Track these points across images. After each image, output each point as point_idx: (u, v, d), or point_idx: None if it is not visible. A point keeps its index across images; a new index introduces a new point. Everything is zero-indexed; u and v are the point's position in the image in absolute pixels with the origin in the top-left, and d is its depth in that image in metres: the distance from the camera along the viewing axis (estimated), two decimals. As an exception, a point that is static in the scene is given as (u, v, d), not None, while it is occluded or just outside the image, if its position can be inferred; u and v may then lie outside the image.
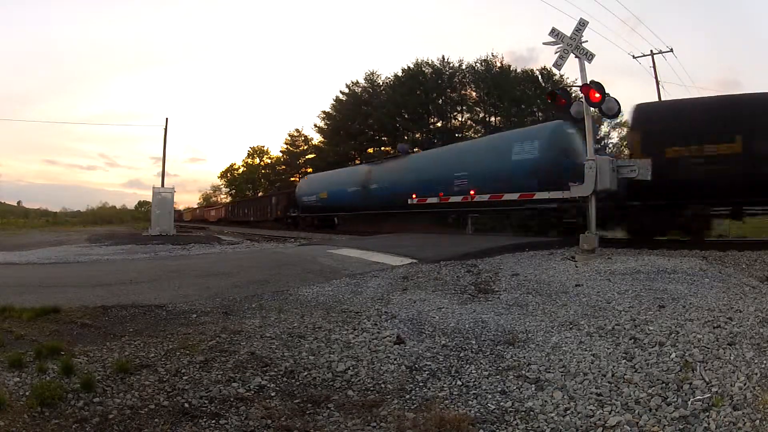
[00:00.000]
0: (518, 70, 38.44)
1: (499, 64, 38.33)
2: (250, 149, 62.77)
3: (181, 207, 61.53)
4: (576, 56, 7.96)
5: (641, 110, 9.99)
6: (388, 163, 18.09)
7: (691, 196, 8.36)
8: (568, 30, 7.99)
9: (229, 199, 57.94)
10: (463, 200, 12.44)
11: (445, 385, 2.96)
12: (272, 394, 2.83)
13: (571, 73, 30.43)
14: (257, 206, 32.49)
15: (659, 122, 9.35)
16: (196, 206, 66.39)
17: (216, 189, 70.78)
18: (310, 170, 41.94)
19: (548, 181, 10.41)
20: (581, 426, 2.38)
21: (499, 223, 12.31)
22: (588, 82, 7.82)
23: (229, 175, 66.12)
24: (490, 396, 2.80)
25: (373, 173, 18.21)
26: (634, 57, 23.33)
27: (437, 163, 15.06)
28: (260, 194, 46.23)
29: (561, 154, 11.06)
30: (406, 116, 38.46)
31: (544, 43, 8.17)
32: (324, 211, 21.15)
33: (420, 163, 16.23)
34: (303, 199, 22.66)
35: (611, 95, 7.87)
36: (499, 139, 14.02)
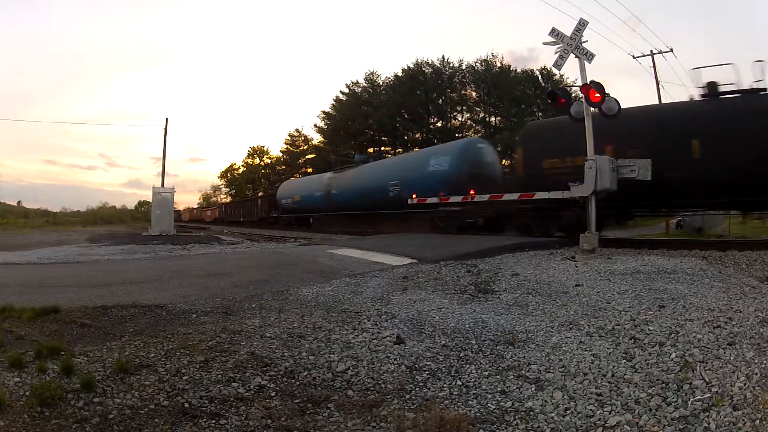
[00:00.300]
0: (518, 70, 38.53)
1: (499, 64, 38.40)
2: (250, 149, 62.92)
3: (180, 207, 61.74)
4: (576, 56, 7.96)
5: (527, 128, 12.71)
6: (345, 172, 20.85)
7: (568, 201, 9.26)
8: (568, 30, 7.99)
9: (228, 200, 58.80)
10: (463, 200, 12.70)
11: (445, 385, 2.96)
12: (272, 394, 2.83)
13: (571, 73, 30.49)
14: (246, 207, 35.56)
15: (538, 139, 11.24)
16: (195, 206, 66.71)
17: (216, 189, 70.86)
18: (310, 170, 42.13)
19: (455, 188, 12.66)
20: (581, 426, 2.38)
21: (417, 221, 14.96)
22: (588, 82, 7.82)
23: (229, 175, 66.14)
24: (490, 396, 2.80)
25: (333, 180, 21.20)
26: (634, 57, 23.31)
27: (377, 172, 18.03)
28: (259, 195, 48.08)
29: (469, 167, 13.49)
30: (406, 116, 38.46)
31: (544, 43, 8.18)
32: (298, 212, 24.49)
33: (365, 172, 19.01)
34: (282, 202, 26.06)
35: (611, 95, 7.88)
36: (421, 154, 17.18)
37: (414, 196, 14.09)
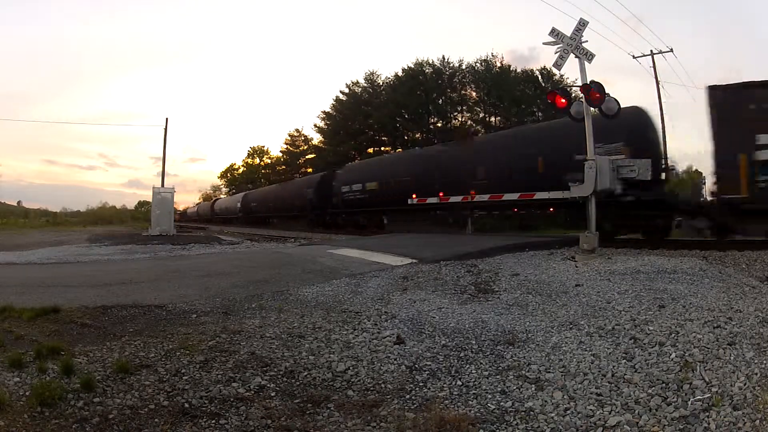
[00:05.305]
0: (518, 70, 38.33)
1: (499, 64, 38.23)
2: (250, 149, 62.82)
3: (181, 207, 62.01)
4: (576, 56, 7.96)
5: (344, 167, 21.81)
6: (278, 187, 30.34)
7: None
8: (568, 30, 7.99)
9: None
10: (463, 200, 12.81)
11: (445, 385, 2.96)
12: (272, 394, 2.83)
13: (571, 73, 30.41)
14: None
15: (346, 173, 20.30)
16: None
17: (216, 189, 70.80)
18: (310, 170, 42.29)
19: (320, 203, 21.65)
20: (581, 426, 2.38)
21: (296, 221, 24.24)
22: (588, 82, 7.82)
23: (229, 175, 66.08)
24: (490, 396, 2.80)
25: (264, 193, 32.13)
26: (634, 57, 23.18)
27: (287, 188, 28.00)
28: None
29: (327, 190, 21.14)
30: (406, 116, 38.34)
31: (544, 43, 8.18)
32: (257, 213, 32.25)
33: (287, 187, 28.65)
34: (249, 205, 34.69)
35: (611, 95, 7.88)
36: (302, 180, 26.09)
37: (414, 196, 14.41)
